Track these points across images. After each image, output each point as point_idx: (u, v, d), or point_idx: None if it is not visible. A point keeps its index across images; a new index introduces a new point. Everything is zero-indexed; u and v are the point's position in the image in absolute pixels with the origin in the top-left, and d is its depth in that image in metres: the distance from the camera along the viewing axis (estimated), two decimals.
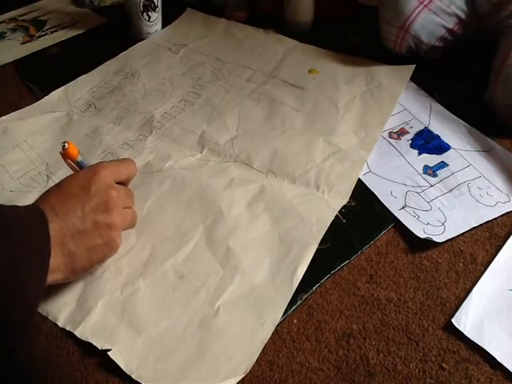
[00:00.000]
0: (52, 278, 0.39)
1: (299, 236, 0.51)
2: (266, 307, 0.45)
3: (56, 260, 0.39)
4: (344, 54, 0.79)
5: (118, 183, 0.46)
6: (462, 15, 0.72)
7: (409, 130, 0.65)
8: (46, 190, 0.56)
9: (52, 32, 0.89)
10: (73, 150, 0.45)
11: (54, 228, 0.39)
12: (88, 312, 0.45)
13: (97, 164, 0.45)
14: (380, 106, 0.68)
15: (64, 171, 0.59)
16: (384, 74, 0.73)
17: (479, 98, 0.69)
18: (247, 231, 0.51)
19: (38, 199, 0.42)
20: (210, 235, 0.51)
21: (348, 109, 0.68)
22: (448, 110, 0.68)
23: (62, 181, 0.44)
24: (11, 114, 0.68)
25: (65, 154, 0.45)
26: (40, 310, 0.45)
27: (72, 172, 0.46)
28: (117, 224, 0.43)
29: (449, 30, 0.73)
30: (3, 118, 0.67)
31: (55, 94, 0.72)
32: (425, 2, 0.70)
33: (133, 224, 0.48)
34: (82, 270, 0.43)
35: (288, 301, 0.45)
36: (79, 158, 0.46)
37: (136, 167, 0.49)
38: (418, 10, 0.70)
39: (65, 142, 0.45)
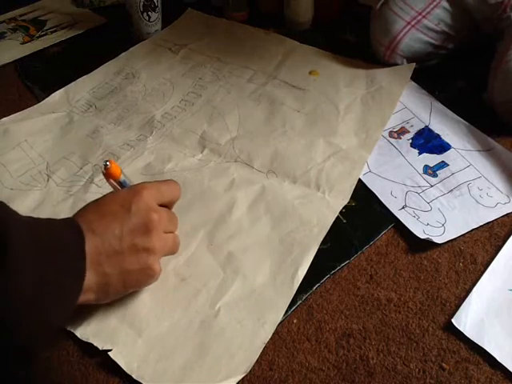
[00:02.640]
0: (84, 297, 0.37)
1: (300, 237, 0.51)
2: (267, 308, 0.45)
3: (89, 279, 0.37)
4: (344, 56, 0.79)
5: (160, 205, 0.43)
6: (451, 31, 0.72)
7: (409, 129, 0.65)
8: (46, 189, 0.57)
9: (52, 32, 0.89)
10: (115, 169, 0.43)
11: (90, 246, 0.37)
12: (89, 313, 0.44)
13: (139, 184, 0.43)
14: (380, 107, 0.68)
15: (64, 171, 0.59)
16: (384, 76, 0.73)
17: (480, 96, 0.69)
18: (248, 233, 0.52)
19: (75, 214, 0.40)
20: (211, 238, 0.51)
21: (348, 111, 0.68)
22: (448, 108, 0.68)
23: (102, 198, 0.42)
24: (12, 115, 0.68)
25: (107, 174, 0.43)
26: None
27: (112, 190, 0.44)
28: (156, 249, 0.41)
29: (438, 47, 0.74)
30: (4, 119, 0.67)
31: (56, 95, 0.72)
32: (412, 23, 0.71)
33: (174, 250, 0.45)
34: (116, 293, 0.41)
35: (289, 302, 0.46)
36: (122, 178, 0.43)
37: (180, 189, 0.46)
38: (405, 30, 0.71)
39: (107, 161, 0.42)
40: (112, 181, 0.44)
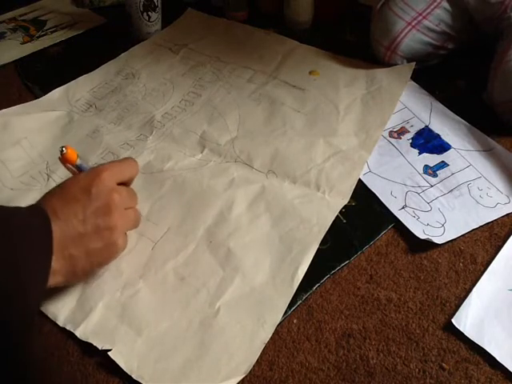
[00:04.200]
0: (53, 280, 0.39)
1: (300, 236, 0.51)
2: (267, 308, 0.45)
3: (57, 263, 0.39)
4: (344, 56, 0.79)
5: (120, 184, 0.45)
6: (452, 32, 0.72)
7: (409, 129, 0.65)
8: (46, 188, 0.57)
9: (52, 32, 0.89)
10: (71, 154, 0.45)
11: (56, 230, 0.39)
12: (88, 312, 0.45)
13: (98, 166, 0.45)
14: (380, 107, 0.68)
15: (64, 170, 0.59)
16: (384, 76, 0.73)
17: (480, 96, 0.69)
18: (248, 232, 0.52)
19: (39, 200, 0.42)
20: (211, 237, 0.51)
21: (348, 111, 0.68)
22: (448, 108, 0.68)
23: (63, 183, 0.43)
24: (12, 107, 0.68)
25: (63, 159, 0.45)
26: (40, 310, 0.45)
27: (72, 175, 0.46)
28: (118, 226, 0.43)
29: (438, 47, 0.74)
30: (4, 110, 0.67)
31: (56, 93, 0.72)
32: (413, 23, 0.71)
33: (136, 224, 0.48)
34: (83, 273, 0.43)
35: (289, 301, 0.46)
36: (78, 162, 0.45)
37: (138, 166, 0.49)
38: (406, 31, 0.71)
39: (63, 147, 0.44)
40: (69, 165, 0.45)
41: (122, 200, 0.44)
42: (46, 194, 0.43)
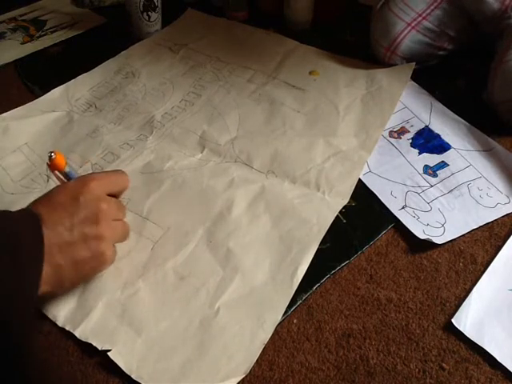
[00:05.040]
0: (40, 290, 0.38)
1: (299, 236, 0.51)
2: (266, 308, 0.45)
3: (43, 272, 0.38)
4: (344, 56, 0.79)
5: (109, 195, 0.45)
6: (452, 32, 0.72)
7: (409, 129, 0.65)
8: (46, 190, 0.56)
9: (52, 32, 0.89)
10: (60, 160, 0.43)
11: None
12: (88, 312, 0.45)
13: (87, 175, 0.44)
14: (380, 108, 0.68)
15: None
16: (384, 76, 0.73)
17: (480, 96, 0.69)
18: (247, 232, 0.51)
19: (26, 207, 0.41)
20: (210, 236, 0.51)
21: (348, 111, 0.67)
22: (448, 108, 0.68)
23: (51, 191, 0.43)
24: (12, 111, 0.68)
25: (52, 165, 0.43)
26: (40, 310, 0.45)
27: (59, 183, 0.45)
28: (106, 236, 0.42)
29: (438, 48, 0.74)
30: (4, 114, 0.67)
31: (56, 92, 0.72)
32: (412, 24, 0.71)
33: (124, 237, 0.47)
34: (70, 283, 0.42)
35: (288, 301, 0.45)
36: (67, 169, 0.44)
37: (128, 180, 0.48)
38: (405, 31, 0.71)
39: (51, 152, 0.43)
40: (57, 172, 0.44)
41: (110, 210, 0.43)
42: (34, 201, 0.42)
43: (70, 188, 0.42)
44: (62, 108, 0.69)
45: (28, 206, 0.41)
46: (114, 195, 0.46)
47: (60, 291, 0.42)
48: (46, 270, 0.38)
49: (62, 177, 0.45)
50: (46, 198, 0.42)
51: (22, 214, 0.39)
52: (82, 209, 0.41)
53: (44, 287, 0.39)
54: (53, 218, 0.39)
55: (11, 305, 0.35)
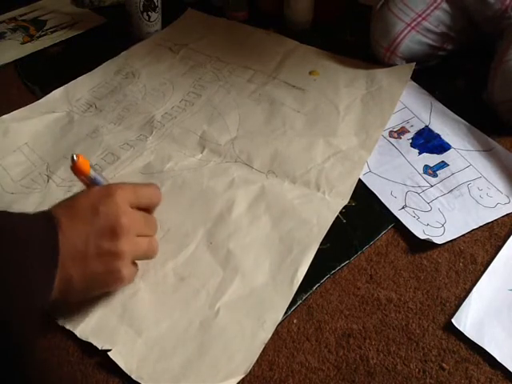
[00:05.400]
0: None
1: (300, 237, 0.51)
2: (267, 308, 0.45)
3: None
4: (344, 56, 0.79)
5: (138, 208, 0.42)
6: (451, 33, 0.72)
7: (409, 129, 0.65)
8: (46, 190, 0.57)
9: (52, 32, 0.89)
10: (84, 164, 0.40)
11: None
12: (88, 312, 0.44)
13: (114, 184, 0.41)
14: (380, 108, 0.68)
15: (64, 170, 0.59)
16: (384, 76, 0.73)
17: (480, 96, 0.69)
18: (248, 232, 0.51)
19: (48, 209, 0.39)
20: (211, 237, 0.51)
21: (348, 111, 0.67)
22: (448, 108, 0.68)
23: (74, 196, 0.41)
24: (12, 113, 0.68)
25: (75, 169, 0.41)
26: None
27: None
28: (124, 253, 0.39)
29: (437, 48, 0.74)
30: (4, 117, 0.67)
31: (56, 93, 0.72)
32: (412, 24, 0.71)
33: (150, 255, 0.44)
34: (78, 295, 0.41)
35: (289, 302, 0.45)
36: (92, 174, 0.41)
37: (161, 194, 0.45)
38: (405, 32, 0.71)
39: (74, 155, 0.40)
40: (83, 177, 0.42)
41: (132, 225, 0.40)
42: (56, 205, 0.40)
43: (92, 195, 0.40)
44: (62, 108, 0.69)
45: (49, 209, 0.39)
46: (145, 210, 0.43)
47: (66, 301, 0.40)
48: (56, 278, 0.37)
49: (87, 181, 0.42)
50: (68, 204, 0.40)
51: (40, 216, 0.38)
52: (101, 220, 0.39)
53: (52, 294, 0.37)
54: (70, 227, 0.38)
55: (17, 305, 0.34)
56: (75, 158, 0.40)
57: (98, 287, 0.41)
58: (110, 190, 0.40)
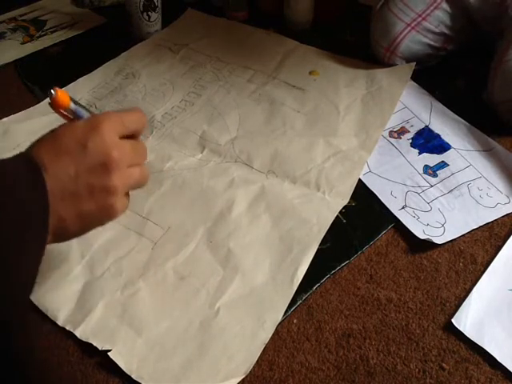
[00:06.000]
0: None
1: (300, 236, 0.51)
2: (267, 308, 0.45)
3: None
4: (344, 56, 0.79)
5: (125, 137, 0.39)
6: (451, 33, 0.72)
7: (409, 129, 0.65)
8: None
9: (52, 32, 0.89)
10: (63, 97, 0.37)
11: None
12: (88, 312, 0.45)
13: (99, 115, 0.38)
14: (380, 108, 0.68)
15: None
16: (384, 76, 0.73)
17: (480, 96, 0.69)
18: (248, 232, 0.52)
19: (28, 148, 0.36)
20: (211, 236, 0.51)
21: (348, 111, 0.68)
22: (448, 108, 0.68)
23: (56, 130, 0.37)
24: (12, 116, 0.68)
25: (54, 104, 0.37)
26: (40, 309, 0.45)
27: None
28: (117, 188, 0.37)
29: (437, 48, 0.74)
30: (4, 119, 0.67)
31: None
32: (412, 24, 0.71)
33: (142, 183, 0.41)
34: (73, 235, 0.38)
35: (289, 301, 0.46)
36: (72, 106, 0.38)
37: (145, 117, 0.42)
38: (405, 32, 0.71)
39: (52, 89, 0.37)
40: (62, 111, 0.38)
41: (123, 157, 0.38)
42: (36, 141, 0.37)
43: (77, 130, 0.37)
44: None
45: (29, 148, 0.36)
46: (132, 137, 0.41)
47: (60, 241, 0.38)
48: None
49: (69, 115, 0.39)
50: (51, 140, 0.36)
51: (20, 159, 0.34)
52: (90, 156, 0.36)
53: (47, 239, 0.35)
54: (56, 165, 0.35)
55: (18, 261, 0.32)
56: (53, 92, 0.37)
57: (93, 225, 0.39)
58: (95, 122, 0.37)
